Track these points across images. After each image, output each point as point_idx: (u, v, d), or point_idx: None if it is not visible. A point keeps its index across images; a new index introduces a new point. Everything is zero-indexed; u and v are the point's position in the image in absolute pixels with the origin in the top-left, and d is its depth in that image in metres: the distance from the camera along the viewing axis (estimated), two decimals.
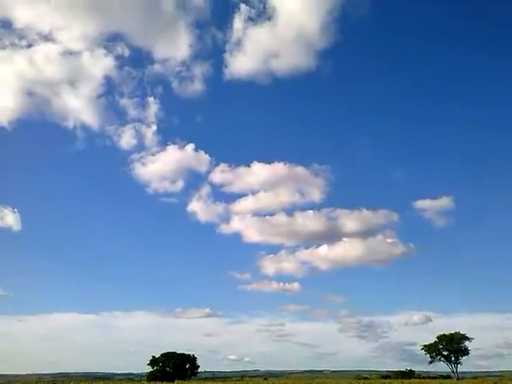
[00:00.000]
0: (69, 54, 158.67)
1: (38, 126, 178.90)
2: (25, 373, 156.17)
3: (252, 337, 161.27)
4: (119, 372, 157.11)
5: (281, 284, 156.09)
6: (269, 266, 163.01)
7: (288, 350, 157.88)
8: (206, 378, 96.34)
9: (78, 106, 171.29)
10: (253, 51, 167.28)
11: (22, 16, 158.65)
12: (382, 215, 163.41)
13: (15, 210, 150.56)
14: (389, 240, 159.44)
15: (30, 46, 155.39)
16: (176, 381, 60.35)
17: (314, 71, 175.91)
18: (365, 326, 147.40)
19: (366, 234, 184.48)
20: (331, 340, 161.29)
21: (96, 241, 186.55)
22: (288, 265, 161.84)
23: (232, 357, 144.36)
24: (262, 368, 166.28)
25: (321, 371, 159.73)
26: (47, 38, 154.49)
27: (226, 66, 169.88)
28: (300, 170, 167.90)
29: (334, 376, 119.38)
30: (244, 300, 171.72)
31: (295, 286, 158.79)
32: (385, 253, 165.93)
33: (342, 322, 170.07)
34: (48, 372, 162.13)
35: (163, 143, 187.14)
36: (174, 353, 74.31)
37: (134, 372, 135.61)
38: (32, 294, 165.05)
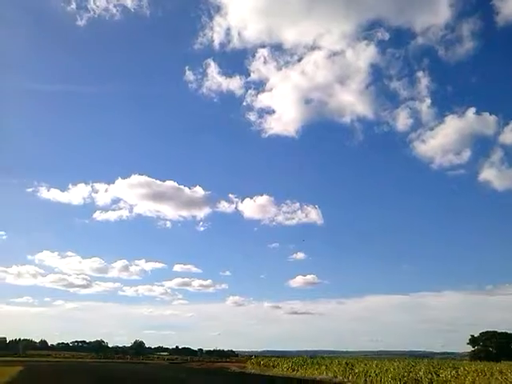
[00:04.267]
0: (333, 55, 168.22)
1: (320, 128, 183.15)
2: (350, 349, 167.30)
3: None
4: (436, 351, 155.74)
5: None
6: None
7: None
8: None
9: (352, 101, 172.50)
10: None
11: (289, 36, 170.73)
12: None
13: (316, 206, 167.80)
14: None
15: (300, 59, 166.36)
16: (503, 362, 54.62)
17: None
18: None
19: None
20: None
21: (392, 226, 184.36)
22: None
23: None
24: None
25: None
26: (312, 47, 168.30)
27: (496, 14, 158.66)
28: None
29: None
30: None
31: None
32: None
33: None
34: (369, 350, 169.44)
35: (440, 115, 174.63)
36: (495, 332, 71.29)
37: (449, 351, 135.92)
38: (345, 280, 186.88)
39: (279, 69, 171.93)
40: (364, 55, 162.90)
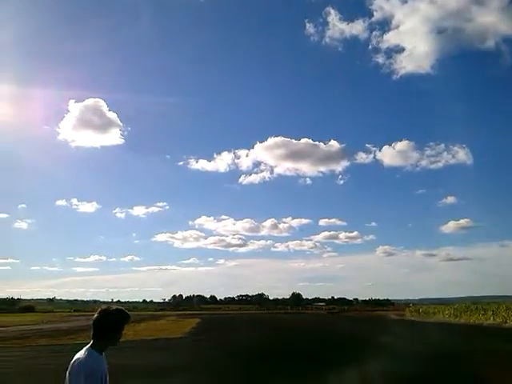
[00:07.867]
0: None
1: (458, 59, 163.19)
2: None
3: None
4: None
5: None
6: None
7: None
8: None
9: (494, 22, 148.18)
10: None
11: None
12: None
13: (464, 145, 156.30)
14: None
15: None
16: None
17: None
18: None
19: None
20: None
21: None
22: None
23: None
24: None
25: None
26: None
27: None
28: None
29: None
30: None
31: None
32: None
33: None
34: None
35: None
36: None
37: None
38: (506, 222, 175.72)
39: (404, 2, 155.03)
40: None
